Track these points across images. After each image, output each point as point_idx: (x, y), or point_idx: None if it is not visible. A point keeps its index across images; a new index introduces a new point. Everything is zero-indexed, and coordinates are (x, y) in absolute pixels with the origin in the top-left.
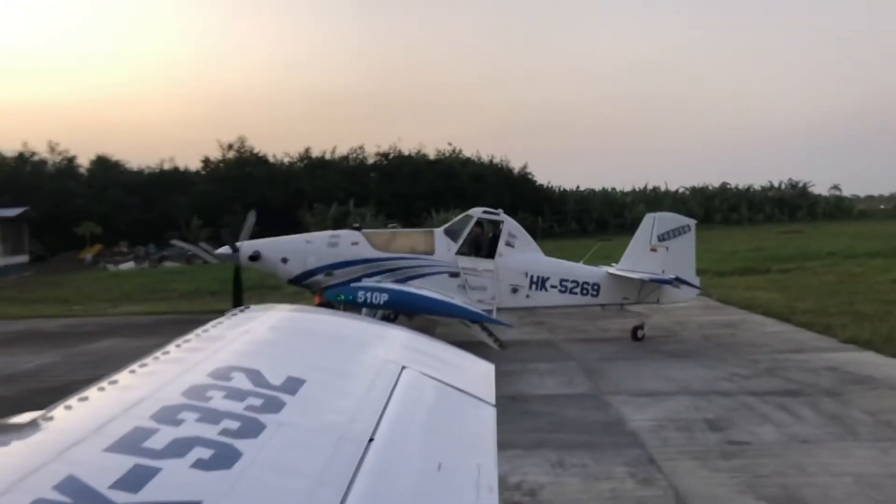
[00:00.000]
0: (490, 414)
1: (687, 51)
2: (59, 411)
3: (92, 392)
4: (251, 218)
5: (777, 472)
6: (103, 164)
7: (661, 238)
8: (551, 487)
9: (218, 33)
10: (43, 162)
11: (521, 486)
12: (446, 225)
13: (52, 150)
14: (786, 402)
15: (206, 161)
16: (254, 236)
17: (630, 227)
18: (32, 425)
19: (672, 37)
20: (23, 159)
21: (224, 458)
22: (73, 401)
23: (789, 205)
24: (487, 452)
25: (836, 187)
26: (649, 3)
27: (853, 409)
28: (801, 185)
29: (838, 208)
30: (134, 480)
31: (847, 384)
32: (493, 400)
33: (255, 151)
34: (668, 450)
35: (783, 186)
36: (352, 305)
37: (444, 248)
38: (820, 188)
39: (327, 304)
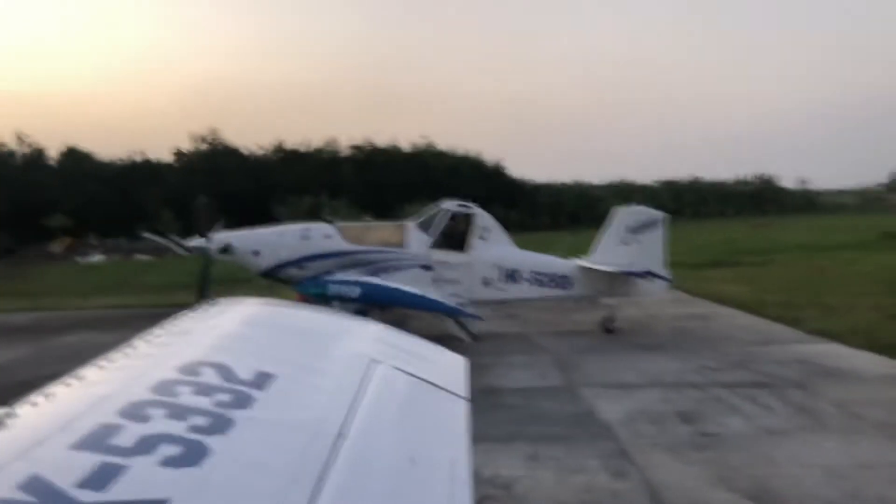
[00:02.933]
0: (463, 407)
1: (660, 47)
2: (24, 408)
3: (58, 388)
4: (201, 203)
5: (748, 464)
6: (73, 156)
7: (632, 231)
8: (525, 481)
9: (190, 24)
10: (11, 153)
11: (495, 480)
12: (419, 218)
13: (20, 141)
14: (755, 394)
15: (179, 153)
16: (225, 228)
17: (602, 221)
18: None
19: (646, 33)
20: None
21: (192, 454)
22: (38, 397)
23: (759, 198)
24: (461, 446)
25: (804, 181)
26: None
27: (821, 400)
28: (770, 179)
29: (806, 202)
30: (100, 479)
31: (815, 376)
32: (466, 393)
33: (228, 143)
34: (641, 442)
35: (753, 180)
36: (324, 299)
37: (416, 241)
38: (788, 182)
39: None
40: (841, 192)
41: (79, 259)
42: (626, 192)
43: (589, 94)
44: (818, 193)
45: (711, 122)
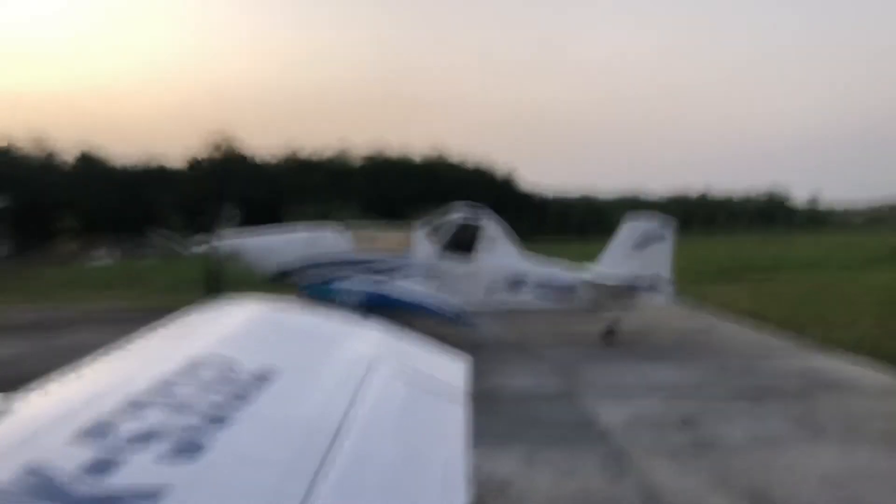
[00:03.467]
0: (462, 410)
1: (671, 59)
2: (22, 399)
3: (57, 381)
4: (230, 211)
5: (746, 472)
6: (85, 158)
7: (639, 243)
8: (522, 484)
9: (205, 28)
10: (25, 154)
11: (491, 483)
12: (427, 225)
13: (34, 142)
14: (756, 404)
15: (190, 157)
16: (235, 230)
17: (610, 232)
18: None
19: (657, 45)
20: (4, 150)
21: (190, 450)
22: (37, 390)
23: (767, 214)
24: (458, 449)
25: (812, 199)
26: (637, 10)
27: (821, 412)
28: (779, 194)
29: (814, 220)
30: (97, 472)
31: (816, 388)
32: (465, 396)
33: (240, 149)
34: (640, 450)
35: (761, 196)
36: (330, 302)
37: (423, 247)
38: (800, 196)
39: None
40: (850, 213)
41: (89, 260)
42: (634, 205)
43: (601, 107)
44: (828, 213)
45: (722, 137)
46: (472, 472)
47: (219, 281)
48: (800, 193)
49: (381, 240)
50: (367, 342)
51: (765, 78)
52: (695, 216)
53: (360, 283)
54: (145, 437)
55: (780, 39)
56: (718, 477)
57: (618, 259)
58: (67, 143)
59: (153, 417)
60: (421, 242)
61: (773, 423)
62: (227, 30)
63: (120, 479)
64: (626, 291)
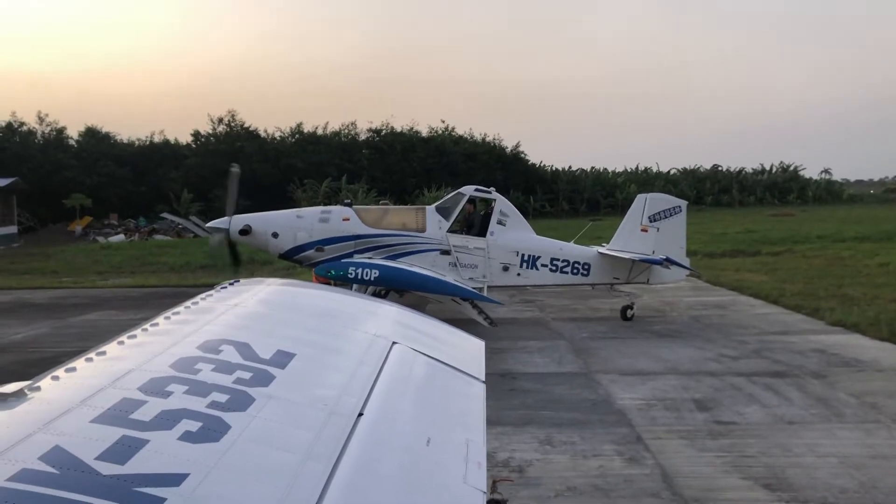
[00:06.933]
0: (480, 390)
1: (683, 33)
2: (46, 382)
3: (80, 363)
4: (234, 172)
5: (763, 453)
6: (93, 136)
7: (653, 219)
8: (539, 464)
9: (210, 7)
10: (32, 132)
11: (510, 463)
12: (438, 202)
13: (41, 120)
14: (773, 383)
15: (197, 135)
16: (244, 211)
17: (621, 208)
18: (19, 395)
19: (668, 19)
20: (11, 129)
21: (212, 430)
22: (60, 371)
23: (780, 188)
24: (476, 428)
25: (826, 171)
26: None
27: (839, 390)
28: (792, 168)
29: (828, 192)
30: (121, 452)
31: (833, 366)
32: (482, 376)
33: (247, 126)
34: (656, 429)
35: (774, 170)
36: (342, 281)
37: (435, 225)
38: (811, 172)
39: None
40: (863, 183)
41: (98, 238)
42: (645, 180)
43: (611, 82)
44: (840, 184)
45: (735, 110)
46: (491, 452)
47: (234, 260)
48: (808, 173)
49: (392, 217)
50: (385, 321)
51: (772, 57)
52: (707, 190)
53: (372, 261)
54: (168, 419)
55: (793, 21)
56: (735, 457)
57: (631, 234)
58: (73, 122)
59: (175, 399)
60: (433, 220)
61: (791, 402)
62: (230, 8)
63: (144, 460)
64: (640, 266)
